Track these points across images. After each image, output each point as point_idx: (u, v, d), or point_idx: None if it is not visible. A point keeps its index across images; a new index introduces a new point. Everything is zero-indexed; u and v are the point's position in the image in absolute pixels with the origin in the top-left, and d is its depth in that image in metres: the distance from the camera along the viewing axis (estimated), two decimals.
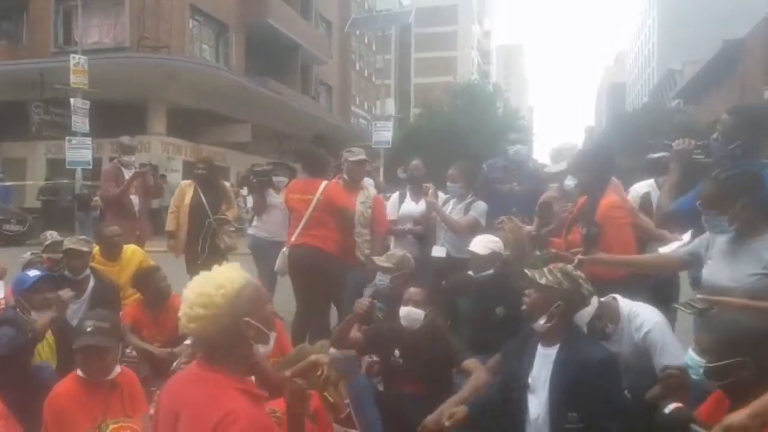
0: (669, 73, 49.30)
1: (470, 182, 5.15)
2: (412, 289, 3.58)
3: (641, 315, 3.03)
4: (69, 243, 4.50)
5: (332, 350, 4.39)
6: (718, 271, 2.71)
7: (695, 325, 3.08)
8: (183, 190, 6.06)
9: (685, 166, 3.43)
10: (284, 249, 5.06)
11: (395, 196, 5.58)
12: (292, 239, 4.95)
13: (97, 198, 9.75)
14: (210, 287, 1.89)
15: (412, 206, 5.36)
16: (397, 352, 3.56)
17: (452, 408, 3.06)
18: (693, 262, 2.95)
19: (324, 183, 5.00)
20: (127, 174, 6.43)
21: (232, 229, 6.08)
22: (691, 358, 2.18)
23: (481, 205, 5.03)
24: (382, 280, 4.48)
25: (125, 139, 6.91)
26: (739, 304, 2.44)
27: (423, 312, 3.48)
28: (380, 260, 4.37)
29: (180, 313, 1.90)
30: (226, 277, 1.92)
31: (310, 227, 4.87)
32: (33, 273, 3.79)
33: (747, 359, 2.04)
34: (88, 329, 2.82)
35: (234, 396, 1.84)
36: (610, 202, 3.72)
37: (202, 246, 5.81)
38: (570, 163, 4.31)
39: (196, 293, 1.89)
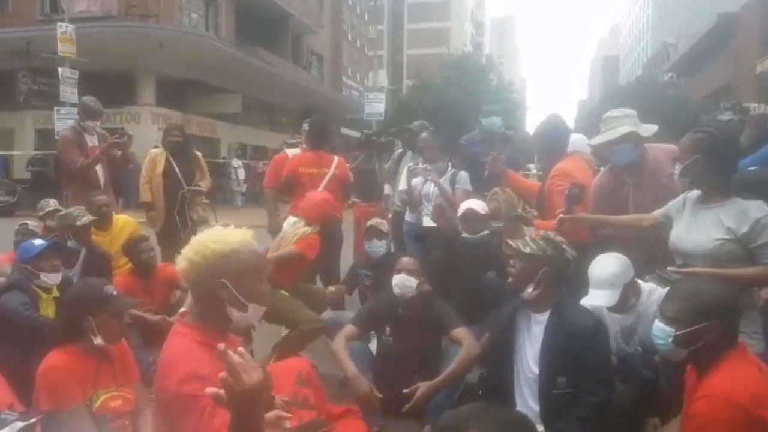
0: (663, 46, 49.09)
1: (448, 155, 5.42)
2: (405, 258, 3.63)
3: (659, 289, 3.06)
4: (81, 218, 4.51)
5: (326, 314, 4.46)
6: (682, 234, 2.80)
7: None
8: (154, 159, 5.60)
9: (759, 132, 3.47)
10: (292, 218, 5.02)
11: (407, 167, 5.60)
12: None
13: None
14: (210, 238, 1.98)
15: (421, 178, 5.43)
16: (387, 330, 3.60)
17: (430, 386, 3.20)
18: (666, 223, 2.97)
19: (336, 158, 5.31)
20: (90, 141, 5.62)
21: (206, 201, 5.76)
22: (658, 328, 2.24)
23: (463, 175, 5.19)
24: (373, 247, 4.50)
25: (90, 101, 5.80)
26: (709, 273, 2.52)
27: (416, 280, 3.51)
28: (379, 225, 4.53)
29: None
30: (228, 236, 1.99)
31: None
32: (39, 242, 3.81)
33: (713, 322, 2.10)
34: (115, 292, 2.81)
35: (183, 347, 1.92)
36: (554, 169, 3.99)
37: (181, 219, 5.52)
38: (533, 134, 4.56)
39: (199, 239, 2.00)
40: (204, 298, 2.00)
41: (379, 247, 4.50)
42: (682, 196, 2.92)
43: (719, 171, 2.68)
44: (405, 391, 3.23)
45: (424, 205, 5.20)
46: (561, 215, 3.42)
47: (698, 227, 2.73)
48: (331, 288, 4.61)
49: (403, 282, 3.51)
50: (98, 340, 2.64)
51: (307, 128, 5.73)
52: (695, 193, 2.82)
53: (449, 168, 5.26)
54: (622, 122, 3.53)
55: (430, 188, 5.13)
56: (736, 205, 2.64)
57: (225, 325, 2.02)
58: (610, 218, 3.47)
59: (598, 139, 3.60)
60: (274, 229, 5.19)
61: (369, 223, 4.66)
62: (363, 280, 4.56)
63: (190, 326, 1.98)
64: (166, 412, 1.91)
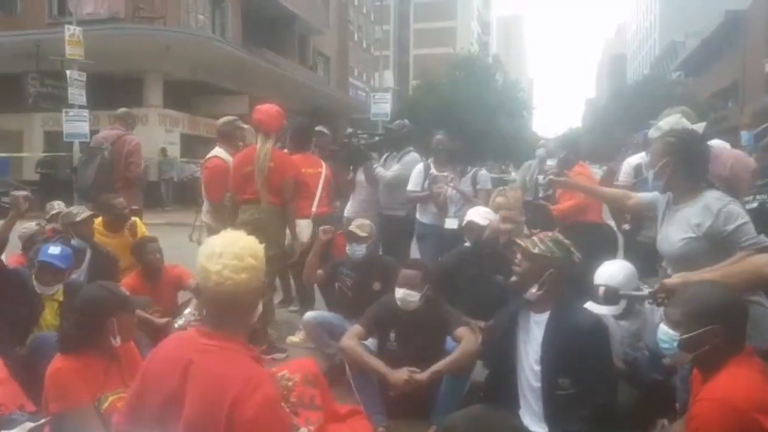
0: (671, 44, 48.88)
1: (460, 158, 5.55)
2: (406, 272, 3.60)
3: None
4: (81, 214, 4.60)
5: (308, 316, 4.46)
6: (660, 237, 2.91)
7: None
8: None
9: None
10: (304, 220, 5.09)
11: (420, 166, 5.62)
12: (314, 209, 5.22)
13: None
14: (247, 241, 1.95)
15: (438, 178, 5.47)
16: (392, 336, 3.62)
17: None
18: (650, 209, 3.06)
19: (321, 160, 5.55)
20: None
21: None
22: (663, 332, 2.25)
23: (484, 174, 5.42)
24: (352, 250, 4.47)
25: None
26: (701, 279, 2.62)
27: (418, 294, 3.53)
28: (357, 230, 4.44)
29: (218, 267, 1.88)
30: (249, 238, 1.98)
31: (323, 197, 5.37)
32: (53, 251, 3.83)
33: (717, 326, 2.11)
34: (127, 292, 2.90)
35: (249, 363, 1.90)
36: (575, 171, 4.90)
37: None
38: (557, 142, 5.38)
39: (238, 246, 1.92)
40: (246, 304, 2.00)
41: (357, 251, 4.44)
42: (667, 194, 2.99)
43: (688, 173, 2.77)
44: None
45: (449, 208, 5.28)
46: (551, 177, 3.56)
47: (670, 229, 2.83)
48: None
49: (405, 297, 3.53)
50: (117, 341, 2.68)
51: (292, 130, 5.75)
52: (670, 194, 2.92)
53: (468, 168, 5.39)
54: None
55: (454, 191, 5.25)
56: (700, 202, 2.71)
57: (249, 327, 2.07)
58: (598, 188, 3.66)
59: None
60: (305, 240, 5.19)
61: (349, 228, 4.61)
62: (344, 278, 4.55)
63: (222, 336, 1.95)
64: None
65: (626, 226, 4.73)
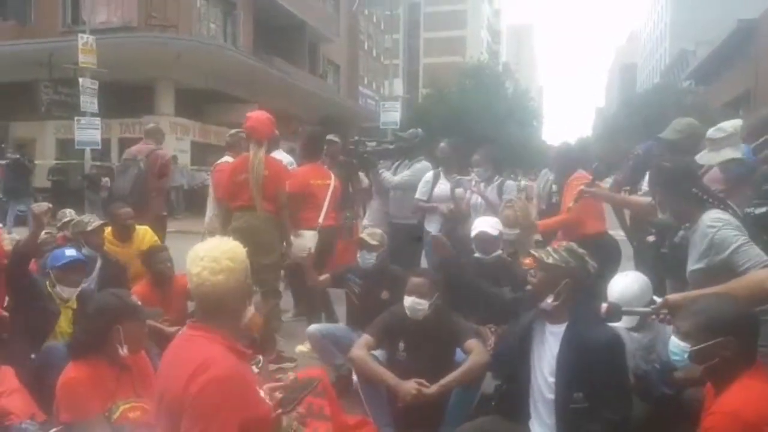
0: (682, 53, 48.69)
1: (494, 165, 5.46)
2: (415, 279, 3.57)
3: None
4: (92, 223, 4.66)
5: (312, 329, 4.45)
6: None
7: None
8: None
9: None
10: (309, 232, 5.08)
11: (429, 175, 5.61)
12: (321, 221, 5.18)
13: (107, 179, 10.04)
14: (230, 246, 2.09)
15: (446, 187, 5.45)
16: (401, 346, 3.58)
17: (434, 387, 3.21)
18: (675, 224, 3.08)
19: (330, 172, 5.51)
20: None
21: None
22: (675, 344, 2.23)
23: (510, 185, 5.39)
24: (363, 258, 4.43)
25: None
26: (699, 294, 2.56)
27: (427, 302, 3.50)
28: (368, 238, 4.41)
29: (198, 269, 2.02)
30: (233, 243, 2.12)
31: (330, 210, 5.30)
32: (70, 253, 3.88)
33: (729, 338, 2.09)
34: (139, 302, 2.88)
35: (215, 348, 1.99)
36: (572, 178, 4.64)
37: None
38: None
39: (219, 250, 2.06)
40: (230, 302, 2.10)
41: (368, 259, 4.40)
42: None
43: (677, 197, 2.80)
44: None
45: (472, 216, 5.21)
46: (583, 188, 3.53)
47: (689, 254, 2.84)
48: None
49: (414, 306, 3.50)
50: (124, 350, 2.67)
51: (304, 139, 5.77)
52: None
53: (496, 177, 5.33)
54: (723, 144, 3.58)
55: (478, 199, 5.20)
56: (700, 226, 2.72)
57: (237, 323, 2.16)
58: (627, 198, 3.58)
59: (704, 159, 3.70)
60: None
61: (360, 235, 4.62)
62: (352, 285, 4.53)
63: (205, 329, 2.08)
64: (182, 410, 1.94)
65: (651, 238, 4.62)
